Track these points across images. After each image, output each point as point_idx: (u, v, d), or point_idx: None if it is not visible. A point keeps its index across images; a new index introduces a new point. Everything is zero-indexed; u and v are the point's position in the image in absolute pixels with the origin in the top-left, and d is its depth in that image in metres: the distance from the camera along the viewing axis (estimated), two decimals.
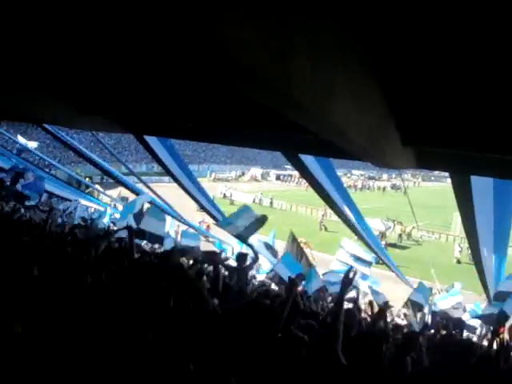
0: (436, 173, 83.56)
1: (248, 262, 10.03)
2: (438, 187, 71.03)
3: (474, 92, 2.91)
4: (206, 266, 6.53)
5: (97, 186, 30.24)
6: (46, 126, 12.28)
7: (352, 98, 2.45)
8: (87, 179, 33.79)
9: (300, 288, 14.03)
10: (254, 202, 50.22)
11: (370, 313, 7.90)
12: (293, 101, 1.87)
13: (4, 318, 2.62)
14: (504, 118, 3.11)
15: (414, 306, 11.80)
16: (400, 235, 37.30)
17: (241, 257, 9.73)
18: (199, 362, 2.76)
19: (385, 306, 5.80)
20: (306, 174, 8.38)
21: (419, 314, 11.88)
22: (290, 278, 4.40)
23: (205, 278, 6.15)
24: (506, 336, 6.80)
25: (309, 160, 7.75)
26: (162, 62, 3.27)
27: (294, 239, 15.29)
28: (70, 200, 18.89)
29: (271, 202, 49.85)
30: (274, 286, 13.17)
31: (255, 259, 11.07)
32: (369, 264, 14.72)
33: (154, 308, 2.74)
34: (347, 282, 4.10)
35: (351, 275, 4.11)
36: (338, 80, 2.17)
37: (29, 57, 3.74)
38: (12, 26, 2.71)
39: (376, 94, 2.90)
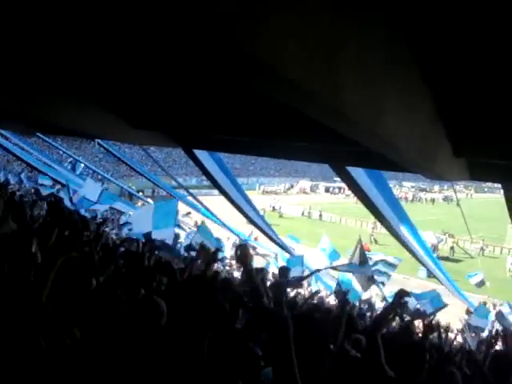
0: (489, 184, 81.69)
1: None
2: (491, 199, 69.23)
3: None
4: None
5: (148, 200, 30.73)
6: (100, 141, 12.61)
7: (402, 109, 2.42)
8: (140, 193, 34.37)
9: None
10: (302, 214, 50.10)
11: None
12: (341, 114, 1.86)
13: (64, 324, 2.69)
14: None
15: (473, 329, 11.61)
16: (452, 248, 36.63)
17: (282, 271, 9.72)
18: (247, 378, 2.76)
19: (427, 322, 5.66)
20: (353, 186, 8.30)
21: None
22: (336, 293, 4.36)
23: None
24: None
25: (357, 172, 7.68)
26: (211, 77, 3.31)
27: (361, 247, 15.12)
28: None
29: (320, 215, 49.62)
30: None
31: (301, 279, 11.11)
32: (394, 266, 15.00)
33: (207, 323, 2.75)
34: (396, 304, 3.99)
35: (402, 299, 4.00)
36: (387, 91, 2.16)
37: (80, 72, 3.84)
38: (63, 41, 2.79)
39: (426, 104, 2.87)
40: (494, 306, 18.00)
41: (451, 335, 11.64)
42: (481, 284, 19.28)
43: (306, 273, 13.27)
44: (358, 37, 1.72)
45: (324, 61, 1.55)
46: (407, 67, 2.37)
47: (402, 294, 4.04)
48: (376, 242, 36.54)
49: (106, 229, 16.34)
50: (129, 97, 4.74)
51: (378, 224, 31.49)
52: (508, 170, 4.41)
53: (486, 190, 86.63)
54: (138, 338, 2.82)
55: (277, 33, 1.29)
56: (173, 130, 6.01)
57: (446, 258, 33.60)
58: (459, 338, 11.04)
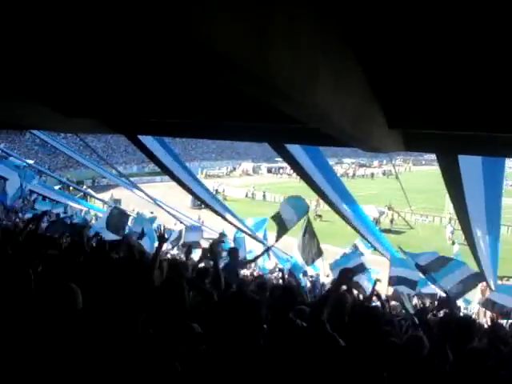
0: (426, 156, 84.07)
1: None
2: (429, 171, 71.24)
3: (458, 71, 2.92)
4: None
5: (89, 190, 30.25)
6: (36, 132, 12.28)
7: (335, 83, 2.45)
8: (85, 187, 33.74)
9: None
10: (246, 196, 50.23)
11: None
12: (275, 88, 1.88)
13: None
14: (488, 94, 3.13)
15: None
16: (391, 220, 37.56)
17: (232, 252, 9.74)
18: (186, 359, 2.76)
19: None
20: (295, 165, 8.38)
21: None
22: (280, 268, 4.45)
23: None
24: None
25: (297, 150, 7.75)
26: (144, 59, 3.26)
27: (308, 222, 15.31)
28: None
29: (264, 196, 49.86)
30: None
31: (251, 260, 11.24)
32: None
33: (141, 304, 2.74)
34: (343, 281, 4.12)
35: (350, 275, 4.15)
36: (319, 65, 2.18)
37: (10, 62, 3.72)
38: None
39: (359, 77, 2.91)
40: None
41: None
42: None
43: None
44: (287, 11, 1.73)
45: (255, 35, 1.55)
46: (339, 42, 2.40)
47: (346, 274, 4.15)
48: (321, 218, 37.01)
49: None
50: (62, 85, 4.63)
51: (322, 201, 31.94)
52: (441, 140, 4.54)
53: (423, 162, 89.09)
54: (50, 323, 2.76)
55: (208, 10, 1.29)
56: (109, 116, 5.92)
57: (388, 231, 34.37)
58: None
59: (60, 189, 24.67)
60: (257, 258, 12.42)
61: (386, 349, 3.56)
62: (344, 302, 4.53)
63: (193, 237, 15.20)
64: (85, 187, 36.10)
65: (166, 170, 10.83)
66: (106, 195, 31.49)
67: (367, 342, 3.36)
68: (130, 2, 1.13)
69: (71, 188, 31.75)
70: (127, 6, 1.14)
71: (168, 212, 17.53)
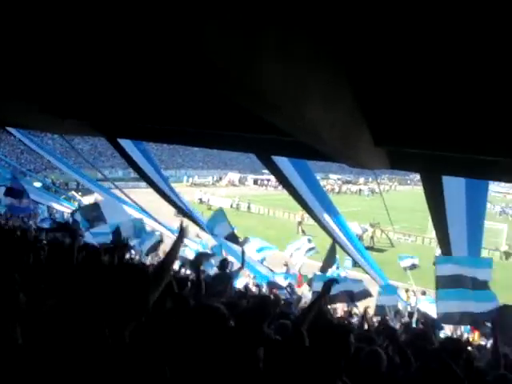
0: (412, 176, 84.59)
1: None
2: (414, 191, 71.63)
3: (444, 92, 2.97)
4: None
5: (73, 193, 30.09)
6: (19, 133, 12.21)
7: (326, 98, 2.49)
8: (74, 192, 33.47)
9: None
10: (231, 206, 50.10)
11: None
12: (266, 100, 1.91)
13: None
14: (474, 117, 3.18)
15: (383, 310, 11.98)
16: (372, 237, 37.62)
17: (222, 263, 9.85)
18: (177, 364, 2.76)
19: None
20: (281, 178, 8.41)
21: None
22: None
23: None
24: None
25: (284, 163, 7.78)
26: (136, 63, 3.28)
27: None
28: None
29: (249, 207, 49.81)
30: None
31: (241, 267, 11.23)
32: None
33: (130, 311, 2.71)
34: (325, 292, 4.23)
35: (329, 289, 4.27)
36: (310, 80, 2.21)
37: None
38: None
39: (348, 94, 2.95)
40: (414, 292, 18.70)
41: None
42: (412, 267, 21.18)
43: None
44: (280, 26, 1.76)
45: (248, 47, 1.58)
46: (330, 58, 2.44)
47: (329, 284, 4.28)
48: (304, 232, 37.00)
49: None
50: (50, 84, 4.62)
51: (306, 215, 31.92)
52: (426, 160, 4.60)
53: (408, 182, 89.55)
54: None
55: (204, 20, 1.31)
56: (96, 118, 5.91)
57: (371, 248, 34.39)
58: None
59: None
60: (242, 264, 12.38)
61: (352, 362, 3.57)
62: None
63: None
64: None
65: (145, 178, 10.87)
66: (90, 198, 31.33)
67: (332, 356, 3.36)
68: (132, 10, 1.15)
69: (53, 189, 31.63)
70: (128, 13, 1.16)
71: (154, 220, 17.54)
